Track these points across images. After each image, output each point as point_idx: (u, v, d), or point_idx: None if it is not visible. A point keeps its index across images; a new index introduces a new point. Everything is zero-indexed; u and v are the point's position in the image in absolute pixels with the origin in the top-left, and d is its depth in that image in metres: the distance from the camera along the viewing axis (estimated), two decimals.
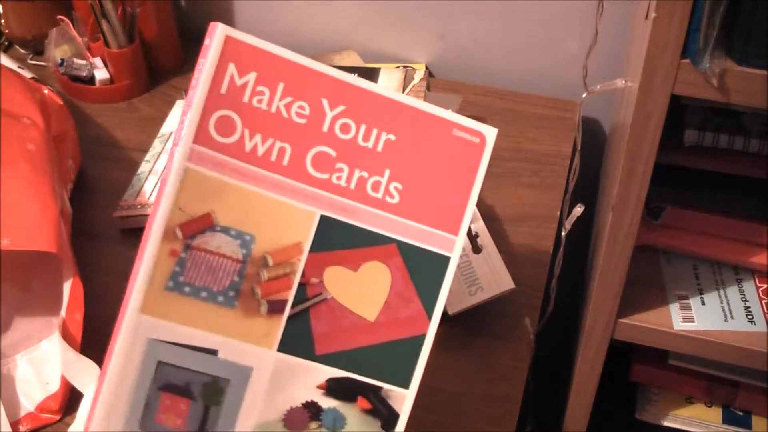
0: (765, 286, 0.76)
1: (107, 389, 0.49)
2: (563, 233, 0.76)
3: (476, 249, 0.75)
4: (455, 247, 0.52)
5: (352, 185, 0.51)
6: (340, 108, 0.50)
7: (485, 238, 0.76)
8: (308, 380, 0.50)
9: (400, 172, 0.51)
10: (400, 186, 0.51)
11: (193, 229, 0.49)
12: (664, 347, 0.77)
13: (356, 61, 1.04)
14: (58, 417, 0.69)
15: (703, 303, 0.75)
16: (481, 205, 0.79)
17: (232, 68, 0.49)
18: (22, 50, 1.09)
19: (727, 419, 0.89)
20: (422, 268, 0.52)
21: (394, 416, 0.51)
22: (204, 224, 0.49)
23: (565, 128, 0.97)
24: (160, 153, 0.90)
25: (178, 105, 0.97)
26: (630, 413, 0.92)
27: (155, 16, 1.02)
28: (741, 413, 0.89)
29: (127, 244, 0.84)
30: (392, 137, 0.51)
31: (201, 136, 0.49)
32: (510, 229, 0.84)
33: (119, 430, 0.49)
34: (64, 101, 0.91)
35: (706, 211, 0.76)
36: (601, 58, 0.80)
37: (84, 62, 1.01)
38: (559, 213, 0.86)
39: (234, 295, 0.50)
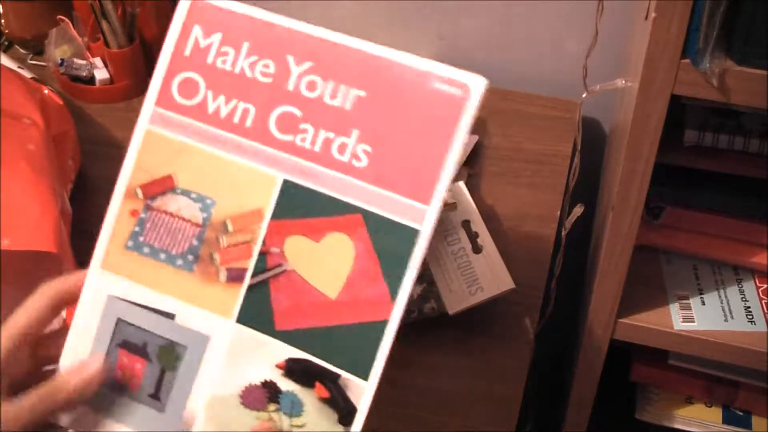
0: (765, 286, 0.76)
1: (69, 343, 0.50)
2: (563, 233, 0.76)
3: (476, 249, 0.75)
4: (425, 219, 0.45)
5: (317, 147, 0.47)
6: (307, 64, 0.47)
7: (485, 238, 0.76)
8: (267, 357, 0.48)
9: (369, 133, 0.46)
10: (369, 148, 0.46)
11: (154, 190, 0.49)
12: (664, 347, 0.77)
13: None
14: None
15: (703, 303, 0.75)
16: (481, 205, 0.79)
17: (197, 30, 0.49)
18: (22, 50, 1.09)
19: (727, 419, 0.89)
20: (389, 243, 0.46)
21: (351, 410, 0.46)
22: (165, 186, 0.49)
23: (565, 128, 0.97)
24: None
25: None
26: (630, 413, 0.92)
27: (155, 16, 1.02)
28: (741, 413, 0.89)
29: None
30: (362, 93, 0.46)
31: (163, 99, 0.49)
32: (510, 229, 0.84)
33: None
34: (64, 101, 0.91)
35: (706, 211, 0.76)
36: (601, 58, 0.80)
37: (84, 62, 1.01)
38: (559, 213, 0.86)
39: (192, 259, 0.49)
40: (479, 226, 0.77)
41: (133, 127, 1.06)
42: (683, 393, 0.90)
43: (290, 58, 0.48)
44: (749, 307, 0.75)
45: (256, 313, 0.48)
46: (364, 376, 0.46)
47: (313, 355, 0.47)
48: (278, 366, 0.48)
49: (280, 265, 0.48)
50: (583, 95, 0.71)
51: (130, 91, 1.02)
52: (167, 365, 0.49)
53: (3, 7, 1.05)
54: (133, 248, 0.49)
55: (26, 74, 1.00)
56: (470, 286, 0.74)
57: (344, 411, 0.47)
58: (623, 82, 0.68)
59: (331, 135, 0.47)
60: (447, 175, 0.45)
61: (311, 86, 0.47)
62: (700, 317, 0.74)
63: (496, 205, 0.87)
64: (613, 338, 0.76)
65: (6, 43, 1.10)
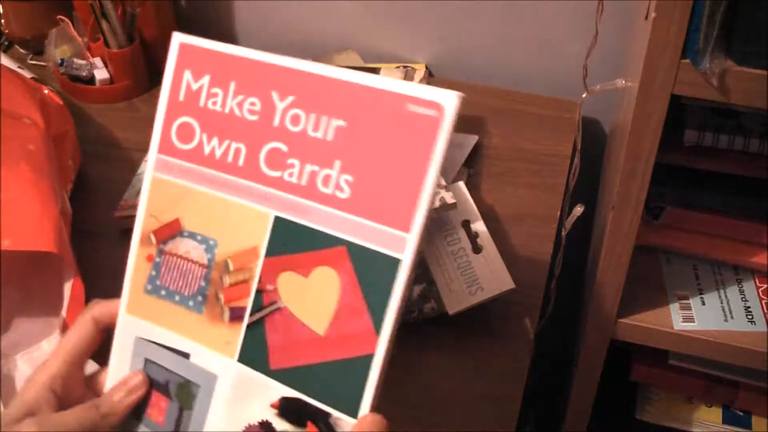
0: (765, 286, 0.76)
1: (110, 382, 0.52)
2: (563, 233, 0.76)
3: (476, 249, 0.75)
4: (406, 248, 0.45)
5: (303, 181, 0.48)
6: (290, 99, 0.48)
7: (485, 238, 0.76)
8: (264, 397, 0.49)
9: (350, 163, 0.46)
10: (350, 178, 0.46)
11: (164, 234, 0.52)
12: (664, 347, 0.77)
13: (356, 61, 1.04)
14: None
15: (703, 303, 0.75)
16: (481, 205, 0.79)
17: (188, 74, 0.51)
18: (22, 50, 1.09)
19: (727, 419, 0.89)
20: (372, 274, 0.46)
21: None
22: (173, 230, 0.51)
23: (565, 128, 0.97)
24: None
25: None
26: (630, 413, 0.92)
27: (155, 16, 1.02)
28: (741, 413, 0.89)
29: (128, 244, 0.84)
30: (342, 123, 0.47)
31: (165, 145, 0.51)
32: (510, 229, 0.84)
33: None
34: (64, 101, 0.91)
35: (706, 211, 0.76)
36: (601, 58, 0.80)
37: (84, 62, 1.01)
38: (559, 213, 0.86)
39: (201, 300, 0.51)
40: (479, 226, 0.77)
41: (133, 127, 1.07)
42: (683, 393, 0.90)
43: (274, 94, 0.49)
44: (749, 307, 0.75)
45: (254, 353, 0.49)
46: (353, 413, 0.46)
47: (305, 393, 0.48)
48: (273, 405, 0.48)
49: (274, 303, 0.49)
50: (583, 95, 0.71)
51: (130, 91, 1.02)
52: (185, 404, 0.51)
53: (3, 7, 1.05)
54: (151, 292, 0.52)
55: (26, 74, 1.00)
56: (470, 286, 0.74)
57: None
58: (623, 82, 0.68)
59: (316, 168, 0.47)
60: (425, 200, 0.44)
61: (295, 120, 0.48)
62: (700, 317, 0.74)
63: (496, 205, 0.87)
64: (613, 338, 0.76)
65: (6, 43, 1.10)
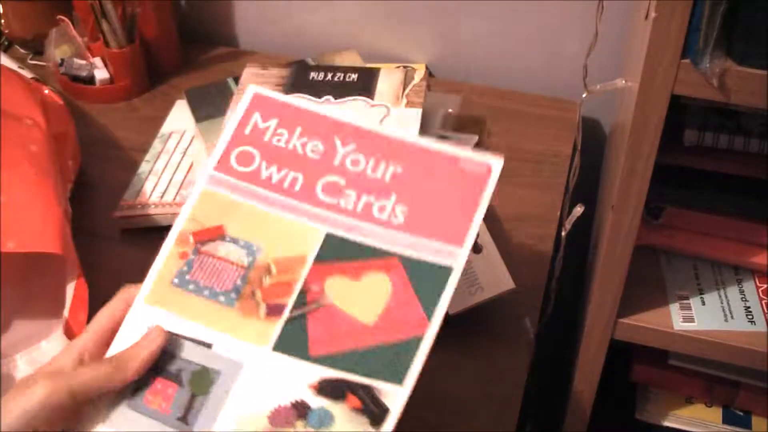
0: (765, 286, 0.76)
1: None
2: (563, 233, 0.76)
3: (476, 249, 0.75)
4: (459, 259, 0.51)
5: (359, 209, 0.53)
6: (351, 146, 0.54)
7: (485, 238, 0.76)
8: (300, 379, 0.50)
9: (406, 198, 0.53)
10: (405, 209, 0.53)
11: (204, 237, 0.54)
12: (664, 347, 0.77)
13: (356, 61, 1.04)
14: None
15: (703, 303, 0.75)
16: None
17: (257, 116, 0.56)
18: (22, 50, 1.09)
19: (727, 419, 0.89)
20: (424, 279, 0.51)
21: (383, 412, 0.49)
22: (215, 234, 0.54)
23: (565, 128, 0.97)
24: (160, 153, 0.90)
25: (179, 105, 0.97)
26: (630, 413, 0.92)
27: (155, 16, 1.02)
28: (741, 413, 0.89)
29: (127, 244, 0.84)
30: (399, 170, 0.53)
31: (222, 165, 0.55)
32: (510, 229, 0.84)
33: (107, 405, 0.51)
34: (64, 101, 0.91)
35: (706, 211, 0.76)
36: (601, 58, 0.80)
37: (84, 62, 1.01)
38: (559, 213, 0.86)
39: (235, 296, 0.52)
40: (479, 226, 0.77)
41: (133, 127, 1.06)
42: (683, 393, 0.90)
43: (337, 140, 0.55)
44: (749, 307, 0.75)
45: (292, 342, 0.51)
46: (399, 381, 0.49)
47: (348, 372, 0.50)
48: (311, 386, 0.50)
49: (318, 300, 0.52)
50: (583, 95, 0.71)
51: (130, 91, 1.02)
52: (199, 390, 0.51)
53: (3, 7, 1.05)
54: (178, 285, 0.53)
55: (26, 74, 1.00)
56: (470, 286, 0.74)
57: (376, 414, 0.49)
58: (623, 82, 0.68)
59: (372, 199, 0.53)
60: (476, 226, 0.51)
61: (355, 163, 0.54)
62: (700, 317, 0.74)
63: (496, 205, 0.87)
64: (613, 338, 0.76)
65: (6, 43, 1.10)
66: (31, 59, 1.08)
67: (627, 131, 0.62)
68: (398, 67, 0.96)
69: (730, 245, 0.77)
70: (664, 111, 0.59)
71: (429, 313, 0.50)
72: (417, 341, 0.50)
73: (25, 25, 1.06)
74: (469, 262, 0.75)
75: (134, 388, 0.51)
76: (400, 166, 0.53)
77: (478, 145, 0.94)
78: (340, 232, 0.53)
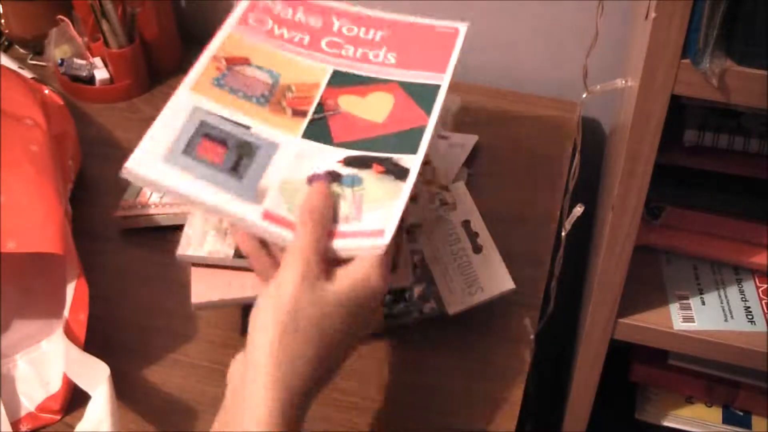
0: (765, 286, 0.76)
1: (151, 133, 0.59)
2: (563, 233, 0.76)
3: (476, 249, 0.75)
4: (445, 78, 0.65)
5: (358, 56, 0.67)
6: (345, 20, 0.70)
7: (485, 238, 0.76)
8: (329, 157, 0.60)
9: (395, 49, 0.68)
10: (395, 54, 0.68)
11: (233, 61, 0.65)
12: (664, 347, 0.77)
13: None
14: (58, 417, 0.69)
15: (703, 303, 0.75)
16: (481, 205, 0.79)
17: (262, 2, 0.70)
18: (22, 50, 1.09)
19: (727, 419, 0.89)
20: (420, 94, 0.64)
21: (404, 171, 0.59)
22: (243, 61, 0.65)
23: (565, 128, 0.97)
24: None
25: None
26: (630, 413, 0.92)
27: (155, 16, 1.02)
28: (741, 413, 0.89)
29: (128, 244, 0.84)
30: (387, 33, 0.69)
31: (243, 21, 0.68)
32: (510, 229, 0.84)
33: (162, 155, 0.58)
34: (64, 101, 0.91)
35: (706, 211, 0.76)
36: (601, 58, 0.80)
37: (84, 62, 1.01)
38: (559, 213, 0.86)
39: (264, 100, 0.63)
40: (479, 226, 0.77)
41: (133, 127, 1.06)
42: (683, 393, 0.90)
43: (333, 17, 0.70)
44: (749, 307, 0.75)
45: (317, 133, 0.62)
46: (413, 152, 0.60)
47: (368, 151, 0.60)
48: (339, 161, 0.60)
49: (335, 109, 0.63)
50: (583, 95, 0.71)
51: (130, 91, 1.02)
52: (244, 153, 0.59)
53: (3, 7, 1.05)
54: (217, 85, 0.63)
55: (26, 74, 1.00)
56: (470, 286, 0.74)
57: (399, 173, 0.59)
58: (623, 82, 0.68)
59: (366, 50, 0.68)
60: (453, 61, 0.67)
61: (350, 30, 0.69)
62: (700, 317, 0.74)
63: (496, 205, 0.86)
64: (613, 338, 0.76)
65: (6, 43, 1.10)
66: (31, 59, 1.08)
67: (627, 131, 0.62)
68: None
69: (730, 245, 0.77)
70: (664, 111, 0.59)
71: (428, 111, 0.63)
72: (421, 128, 0.62)
73: (25, 25, 1.06)
74: (469, 262, 0.75)
75: (187, 142, 0.59)
76: (388, 32, 0.69)
77: (478, 145, 0.94)
78: (344, 69, 0.66)
